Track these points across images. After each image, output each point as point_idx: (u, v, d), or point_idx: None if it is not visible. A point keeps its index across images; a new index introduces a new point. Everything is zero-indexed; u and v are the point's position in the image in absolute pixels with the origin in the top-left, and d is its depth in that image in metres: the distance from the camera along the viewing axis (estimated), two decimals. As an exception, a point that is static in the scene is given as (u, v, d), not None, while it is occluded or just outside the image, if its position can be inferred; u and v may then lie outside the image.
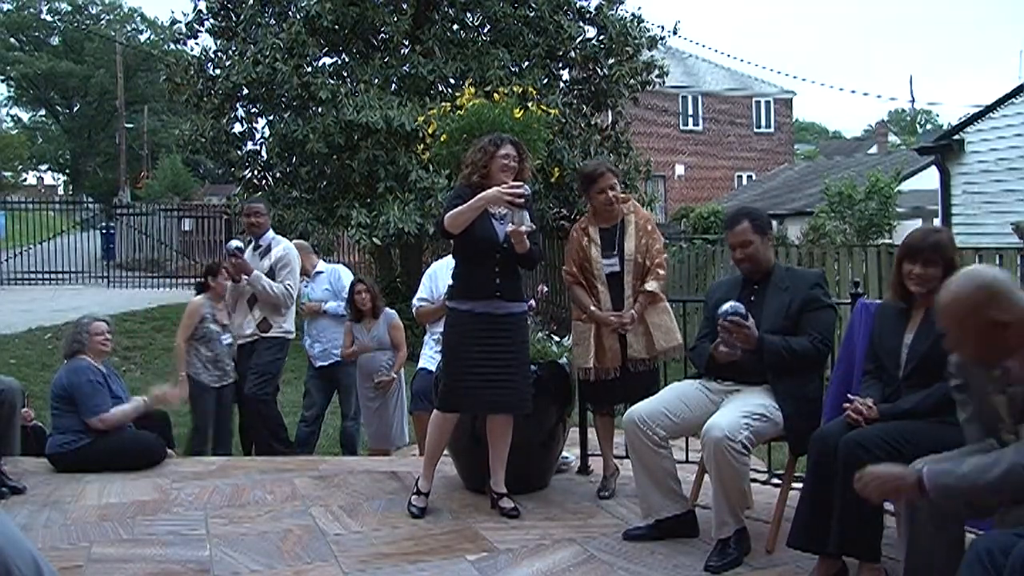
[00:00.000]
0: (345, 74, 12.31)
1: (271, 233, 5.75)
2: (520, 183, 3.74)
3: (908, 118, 49.09)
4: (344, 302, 5.81)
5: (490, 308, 3.82)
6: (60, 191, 47.25)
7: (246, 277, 5.42)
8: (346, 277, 6.13)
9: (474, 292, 3.83)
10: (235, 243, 5.59)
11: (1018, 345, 2.28)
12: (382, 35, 12.57)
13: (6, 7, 42.40)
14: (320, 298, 6.04)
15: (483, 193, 3.72)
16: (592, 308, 4.07)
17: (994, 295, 2.29)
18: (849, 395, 3.12)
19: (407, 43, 12.38)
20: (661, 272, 4.08)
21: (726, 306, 3.37)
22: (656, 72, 13.45)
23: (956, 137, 12.97)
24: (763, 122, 30.43)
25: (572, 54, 13.00)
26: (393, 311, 5.83)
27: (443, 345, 3.99)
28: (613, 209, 4.11)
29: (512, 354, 3.84)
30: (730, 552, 3.24)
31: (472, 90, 4.51)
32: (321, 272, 6.24)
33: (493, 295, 3.82)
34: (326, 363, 6.00)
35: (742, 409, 3.29)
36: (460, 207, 3.73)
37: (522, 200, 3.69)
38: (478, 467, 4.16)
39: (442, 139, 4.33)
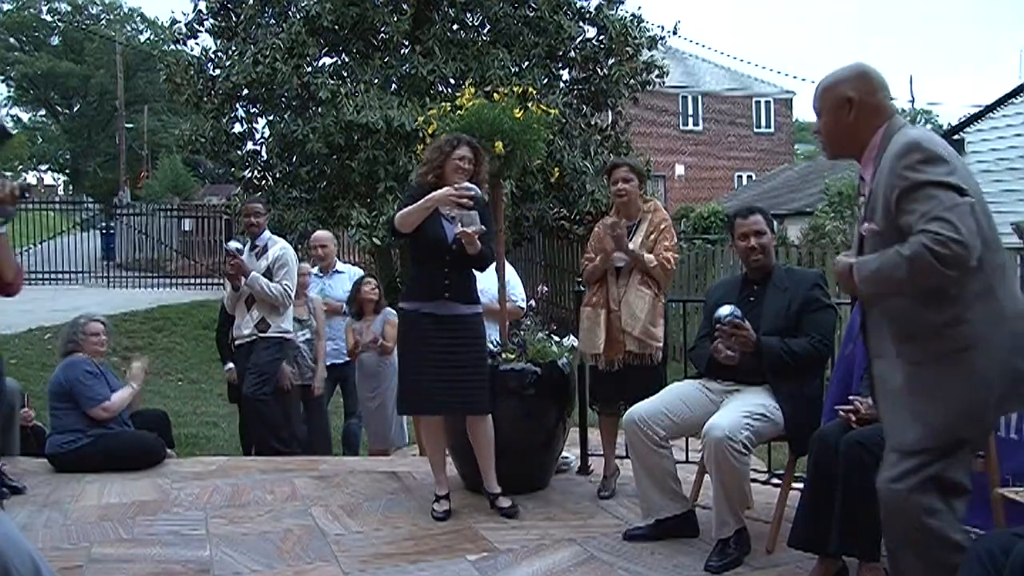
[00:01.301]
0: (345, 74, 12.31)
1: (267, 233, 5.76)
2: (469, 185, 3.73)
3: (908, 118, 49.09)
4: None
5: (439, 309, 3.83)
6: (60, 191, 47.20)
7: (244, 279, 5.42)
8: (351, 279, 6.16)
9: (423, 293, 3.86)
10: (234, 244, 5.58)
11: (859, 124, 2.33)
12: (382, 35, 12.56)
13: (6, 7, 42.38)
14: (340, 298, 6.05)
15: (433, 193, 3.73)
16: (599, 258, 4.13)
17: (859, 75, 2.37)
18: (850, 396, 3.12)
19: (407, 43, 12.38)
20: (666, 265, 4.07)
21: (723, 311, 3.38)
22: (656, 72, 13.44)
23: (956, 137, 12.98)
24: (763, 122, 30.42)
25: (572, 54, 13.01)
26: (391, 309, 5.85)
27: (397, 347, 4.03)
28: (625, 201, 4.13)
29: (463, 355, 3.83)
30: (730, 552, 3.24)
31: (472, 90, 4.51)
32: (341, 272, 6.26)
33: (442, 296, 3.82)
34: (338, 362, 6.02)
35: (743, 409, 3.29)
36: (410, 207, 3.75)
37: (470, 202, 3.67)
38: (478, 467, 4.16)
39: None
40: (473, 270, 3.96)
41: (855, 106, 2.34)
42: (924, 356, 2.23)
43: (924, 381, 2.23)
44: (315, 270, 6.23)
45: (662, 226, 4.14)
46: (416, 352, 3.85)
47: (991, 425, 2.26)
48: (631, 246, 4.03)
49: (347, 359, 5.92)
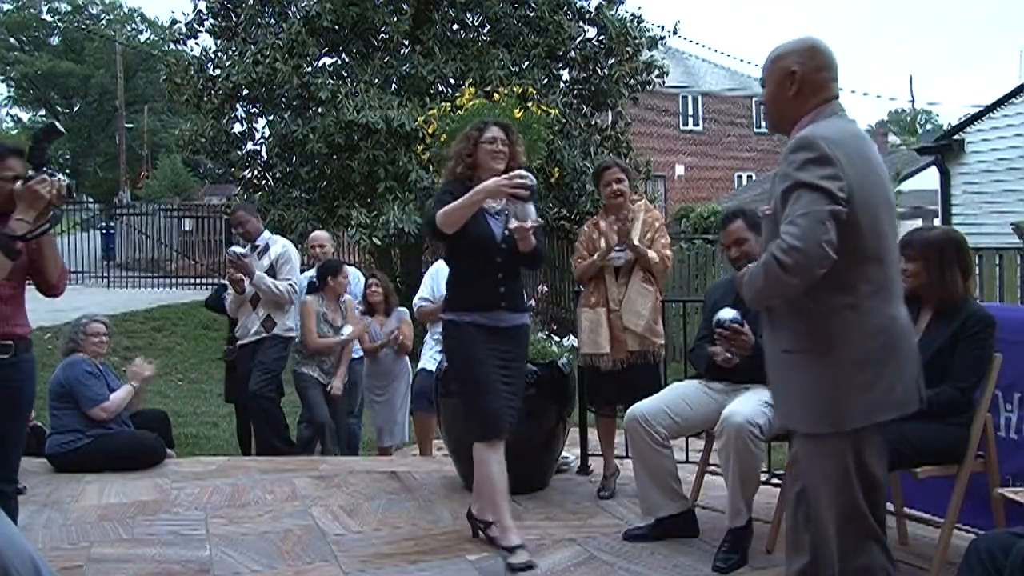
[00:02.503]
0: (345, 74, 12.31)
1: (267, 233, 5.79)
2: (523, 172, 3.21)
3: (908, 118, 49.01)
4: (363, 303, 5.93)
5: (495, 321, 3.34)
6: (60, 191, 47.08)
7: (249, 279, 5.44)
8: (360, 280, 6.18)
9: (475, 302, 3.35)
10: (237, 249, 5.62)
11: (799, 100, 2.31)
12: (382, 35, 12.57)
13: (6, 7, 42.36)
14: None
15: (481, 185, 3.23)
16: (597, 255, 4.09)
17: (807, 49, 2.35)
18: None
19: (407, 43, 12.38)
20: (666, 261, 4.11)
21: (724, 315, 3.38)
22: (656, 72, 13.46)
23: (956, 137, 12.96)
24: (763, 122, 30.20)
25: (572, 54, 13.01)
26: (405, 309, 5.89)
27: (451, 365, 3.46)
28: (619, 202, 4.14)
29: (515, 371, 3.40)
30: (736, 550, 3.24)
31: (472, 90, 4.52)
32: None
33: (498, 305, 3.34)
34: None
35: (760, 398, 3.27)
36: (454, 203, 3.25)
37: (527, 191, 3.17)
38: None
39: (442, 139, 4.33)
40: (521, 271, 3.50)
41: (797, 80, 2.32)
42: (787, 347, 2.31)
43: (783, 370, 2.34)
44: (313, 271, 6.24)
45: (656, 224, 4.18)
46: (483, 366, 3.29)
47: (847, 427, 2.23)
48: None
49: (354, 356, 5.93)
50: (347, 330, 5.61)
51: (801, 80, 2.31)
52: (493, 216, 3.41)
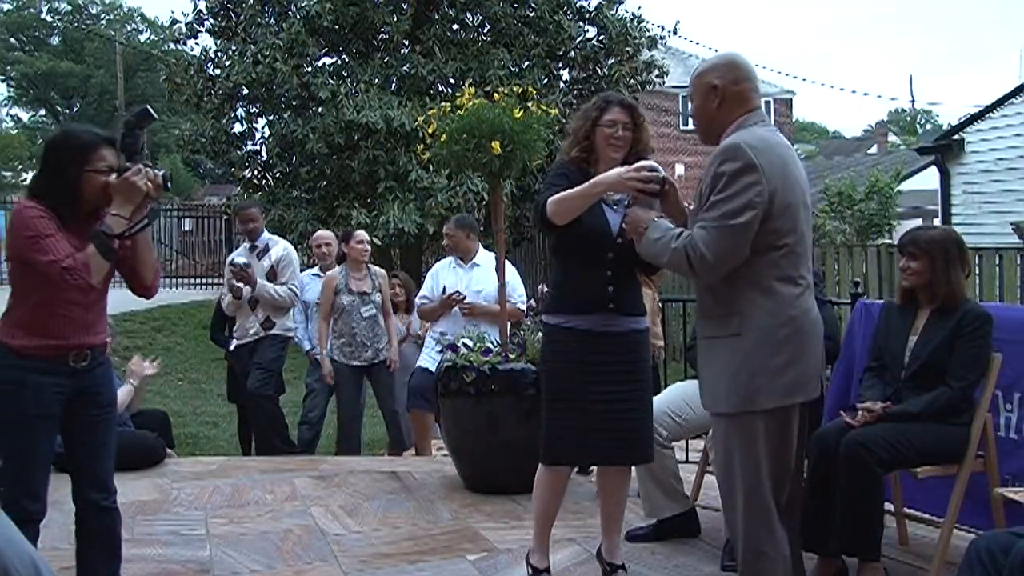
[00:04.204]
0: (345, 74, 12.31)
1: (267, 234, 5.81)
2: (651, 163, 2.76)
3: (908, 118, 49.03)
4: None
5: (601, 325, 2.92)
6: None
7: (252, 289, 5.47)
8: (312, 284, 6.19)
9: (579, 303, 2.95)
10: (240, 259, 5.65)
11: (723, 112, 2.50)
12: (382, 35, 12.57)
13: (6, 7, 42.36)
14: None
15: (601, 176, 2.80)
16: None
17: (727, 64, 2.53)
18: (856, 404, 3.11)
19: (407, 43, 12.38)
20: None
21: None
22: (656, 72, 13.47)
23: (956, 137, 12.96)
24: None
25: (572, 54, 13.02)
26: None
27: (543, 376, 3.12)
28: None
29: (633, 385, 2.96)
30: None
31: (472, 90, 4.50)
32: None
33: (605, 307, 2.92)
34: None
35: None
36: (568, 192, 2.83)
37: (657, 186, 2.69)
38: (479, 468, 4.16)
39: (442, 139, 4.32)
40: (637, 273, 3.06)
41: (719, 93, 2.49)
42: (709, 335, 2.49)
43: (707, 356, 2.50)
44: (315, 270, 6.25)
45: None
46: (570, 382, 2.94)
47: (758, 407, 2.36)
48: None
49: None
50: (377, 298, 5.57)
51: (723, 93, 2.48)
52: (610, 206, 2.96)
